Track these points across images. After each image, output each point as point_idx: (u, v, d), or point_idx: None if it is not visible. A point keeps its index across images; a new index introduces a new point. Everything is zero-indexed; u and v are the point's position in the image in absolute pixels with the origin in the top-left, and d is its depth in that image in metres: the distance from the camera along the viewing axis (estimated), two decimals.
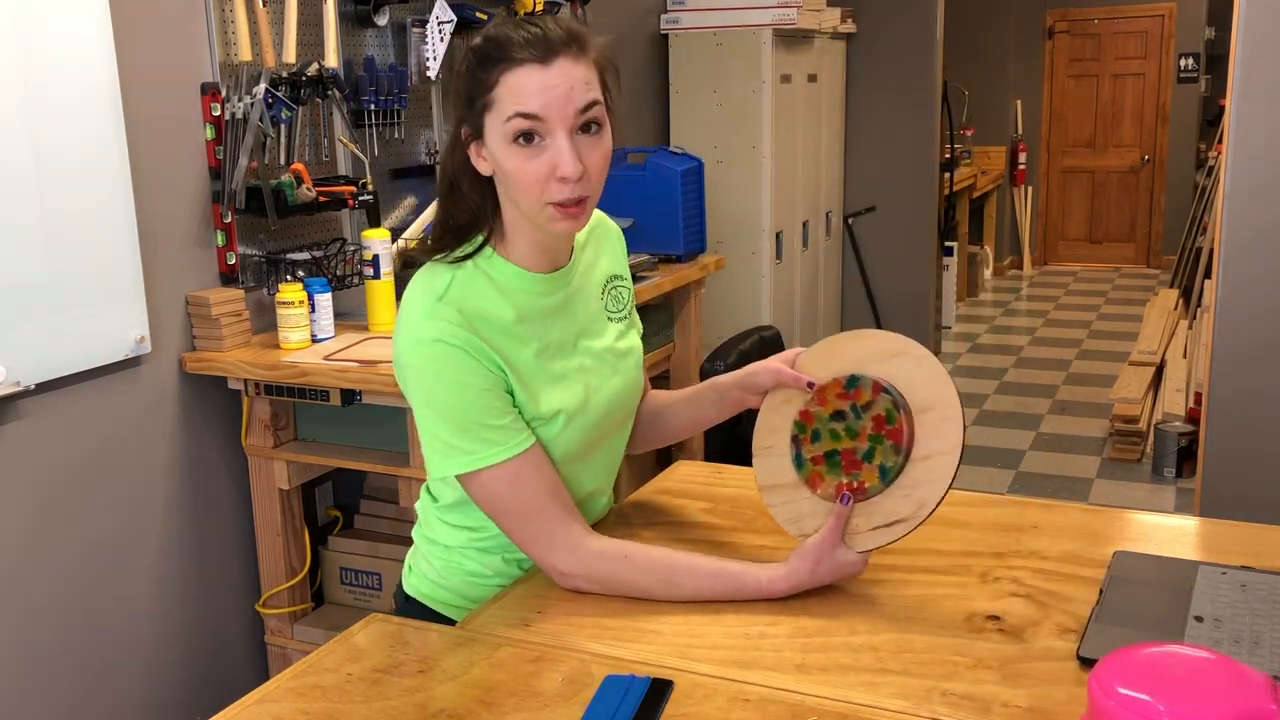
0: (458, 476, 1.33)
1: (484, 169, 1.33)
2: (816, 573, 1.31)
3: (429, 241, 1.37)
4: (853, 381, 1.34)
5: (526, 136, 1.26)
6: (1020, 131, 8.99)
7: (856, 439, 1.33)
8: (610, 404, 1.44)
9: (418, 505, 1.52)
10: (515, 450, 1.31)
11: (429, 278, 1.35)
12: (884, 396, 1.31)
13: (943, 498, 1.27)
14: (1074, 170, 9.21)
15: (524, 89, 1.25)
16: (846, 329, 5.87)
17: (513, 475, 1.31)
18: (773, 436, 1.41)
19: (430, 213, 2.73)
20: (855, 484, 1.32)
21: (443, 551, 1.46)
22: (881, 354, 1.35)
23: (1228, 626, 1.19)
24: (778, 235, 4.65)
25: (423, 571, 1.49)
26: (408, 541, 1.54)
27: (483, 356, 1.30)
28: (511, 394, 1.33)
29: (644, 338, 1.57)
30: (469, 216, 1.36)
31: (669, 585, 1.32)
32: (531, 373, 1.35)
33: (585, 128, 1.28)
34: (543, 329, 1.37)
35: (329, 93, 2.73)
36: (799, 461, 1.37)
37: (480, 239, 1.36)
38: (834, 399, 1.35)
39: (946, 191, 6.49)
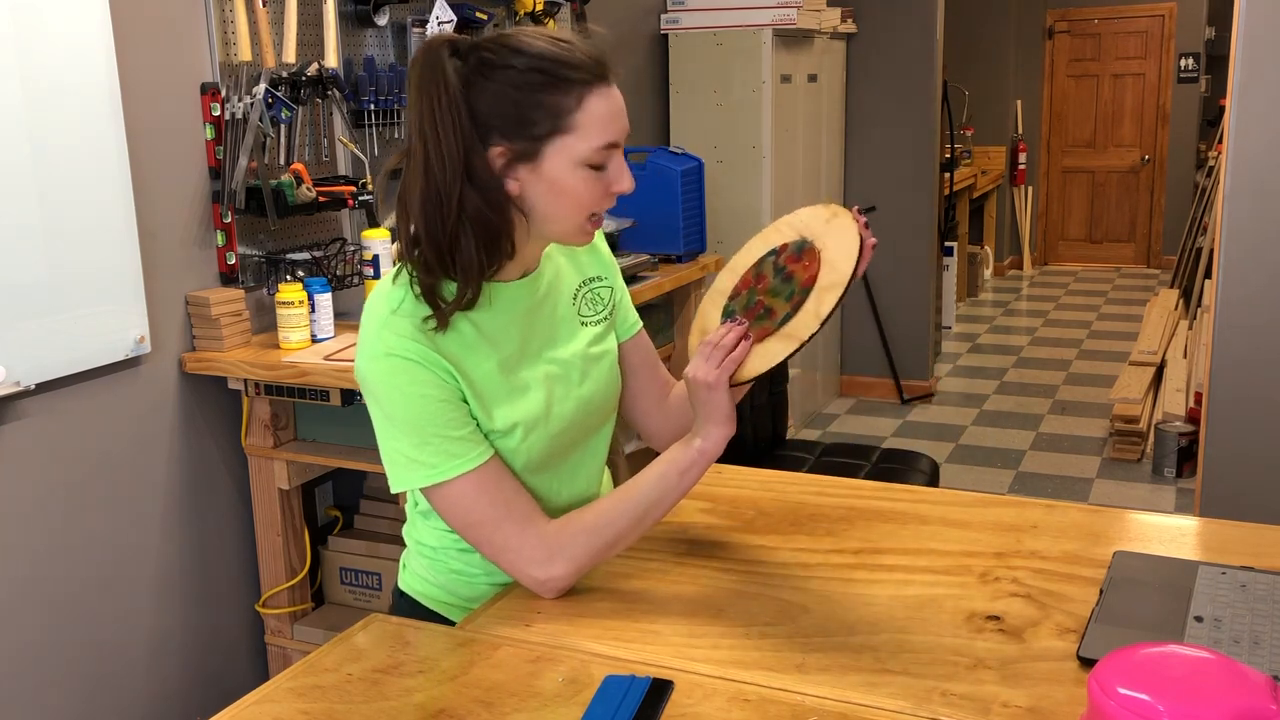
0: (421, 490, 1.33)
1: (514, 190, 1.29)
2: (708, 383, 1.30)
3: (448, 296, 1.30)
4: (760, 265, 1.39)
5: (603, 163, 1.29)
6: (1020, 131, 8.99)
7: (782, 288, 1.36)
8: (577, 411, 1.42)
9: (406, 506, 1.52)
10: (476, 461, 1.30)
11: (386, 290, 1.32)
12: (791, 243, 1.37)
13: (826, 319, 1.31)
14: (1074, 170, 9.21)
15: (604, 114, 1.27)
16: (845, 328, 5.86)
17: (475, 486, 1.30)
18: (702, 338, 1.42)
19: None
20: (766, 316, 1.34)
21: (429, 551, 1.46)
22: (772, 236, 1.42)
23: (1228, 626, 1.19)
24: None
25: (414, 569, 1.49)
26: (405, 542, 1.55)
27: (437, 368, 1.29)
28: (467, 404, 1.32)
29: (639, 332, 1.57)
30: (497, 243, 1.29)
31: (627, 520, 1.33)
32: (489, 386, 1.33)
33: None
34: (504, 339, 1.36)
35: (329, 93, 2.73)
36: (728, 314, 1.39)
37: (456, 288, 1.30)
38: (756, 286, 1.38)
39: (946, 191, 6.49)
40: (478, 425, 1.33)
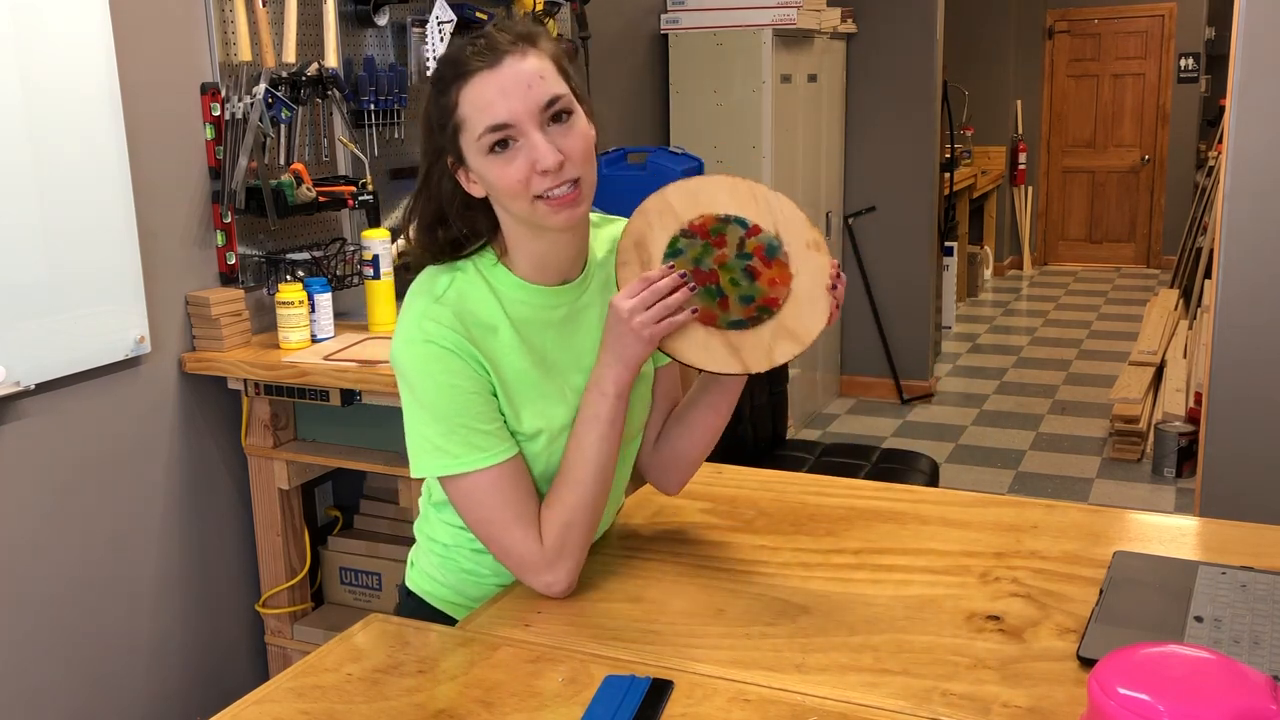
0: (439, 478, 1.34)
1: (477, 192, 1.32)
2: (635, 332, 1.30)
3: (424, 252, 1.37)
4: (723, 225, 1.32)
5: (501, 144, 1.27)
6: (1020, 131, 8.99)
7: (743, 301, 1.32)
8: None
9: (420, 501, 1.52)
10: (499, 458, 1.30)
11: (430, 279, 1.35)
12: (765, 234, 1.32)
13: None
14: (1074, 170, 9.21)
15: (483, 98, 1.26)
16: (845, 328, 5.86)
17: (492, 483, 1.30)
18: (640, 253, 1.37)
19: None
20: (716, 297, 1.32)
21: (440, 549, 1.46)
22: (690, 195, 1.34)
23: (1228, 626, 1.19)
24: None
25: (423, 568, 1.49)
26: (407, 541, 1.55)
27: (472, 360, 1.30)
28: (498, 400, 1.33)
29: None
30: (467, 237, 1.37)
31: (595, 493, 1.33)
32: (520, 386, 1.34)
33: (555, 118, 1.28)
34: (539, 343, 1.36)
35: (329, 93, 2.73)
36: (669, 253, 1.34)
37: (481, 244, 1.38)
38: (711, 245, 1.33)
39: (946, 191, 6.49)
40: (505, 423, 1.33)
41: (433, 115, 1.31)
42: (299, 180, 2.64)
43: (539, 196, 1.28)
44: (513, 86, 1.26)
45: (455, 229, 1.35)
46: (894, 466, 3.22)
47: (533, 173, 1.27)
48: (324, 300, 2.59)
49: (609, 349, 1.33)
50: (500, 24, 1.33)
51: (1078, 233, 9.32)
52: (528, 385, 1.35)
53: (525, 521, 1.32)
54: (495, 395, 1.33)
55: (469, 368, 1.30)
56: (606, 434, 1.33)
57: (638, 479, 1.58)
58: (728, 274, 1.32)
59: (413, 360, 1.30)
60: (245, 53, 2.57)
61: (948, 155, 6.41)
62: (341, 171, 2.88)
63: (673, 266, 1.32)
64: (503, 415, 1.33)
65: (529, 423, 1.34)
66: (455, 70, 1.28)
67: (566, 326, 1.39)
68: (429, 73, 3.06)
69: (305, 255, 2.71)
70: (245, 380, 2.51)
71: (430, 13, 3.03)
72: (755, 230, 1.32)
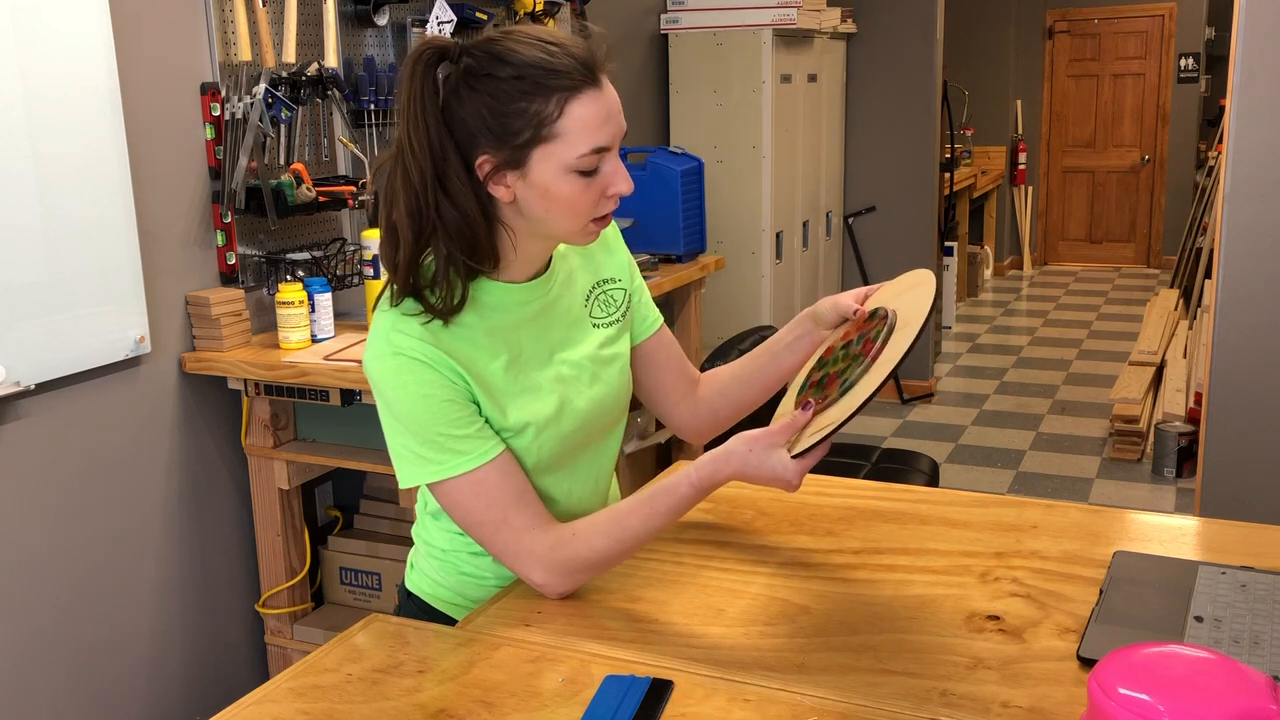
0: (428, 485, 1.33)
1: (505, 196, 1.28)
2: (747, 460, 1.24)
3: (434, 295, 1.29)
4: (874, 314, 1.33)
5: (594, 166, 1.26)
6: (1020, 131, 8.99)
7: (850, 363, 1.30)
8: (588, 413, 1.42)
9: (416, 507, 1.53)
10: (481, 460, 1.30)
11: None
12: (883, 323, 1.29)
13: (855, 411, 1.20)
14: (1074, 170, 9.21)
15: (594, 117, 1.24)
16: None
17: (477, 484, 1.30)
18: (799, 372, 1.41)
19: None
20: (823, 398, 1.27)
21: (439, 553, 1.46)
22: (907, 286, 1.35)
23: (1228, 626, 1.19)
24: (778, 235, 4.65)
25: (422, 570, 1.49)
26: (407, 541, 1.55)
27: (444, 369, 1.29)
28: (477, 405, 1.32)
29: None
30: (474, 250, 1.30)
31: (623, 532, 1.30)
32: (500, 384, 1.34)
33: None
34: (514, 340, 1.36)
35: (329, 93, 2.73)
36: (801, 387, 1.35)
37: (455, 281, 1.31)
38: (856, 328, 1.35)
39: (946, 191, 6.49)
40: (488, 423, 1.33)
41: (502, 115, 1.24)
42: (299, 180, 2.64)
43: (594, 218, 1.30)
44: (616, 110, 1.28)
45: (466, 232, 1.28)
46: (894, 466, 3.22)
47: (602, 197, 1.29)
48: (324, 300, 2.59)
49: (732, 456, 1.26)
50: (569, 35, 1.29)
51: (1078, 233, 9.32)
52: (509, 383, 1.34)
53: (518, 522, 1.31)
54: (474, 400, 1.32)
55: (441, 377, 1.29)
56: (665, 508, 1.30)
57: (639, 477, 1.58)
58: (841, 366, 1.30)
59: (384, 373, 1.29)
60: (245, 53, 2.57)
61: (948, 155, 6.41)
62: (341, 171, 2.88)
63: (810, 403, 1.27)
64: (485, 416, 1.33)
65: (514, 417, 1.34)
66: (569, 80, 1.24)
67: (539, 320, 1.39)
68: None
69: (305, 255, 2.71)
70: (245, 380, 2.52)
71: (430, 13, 3.03)
72: (881, 319, 1.31)
